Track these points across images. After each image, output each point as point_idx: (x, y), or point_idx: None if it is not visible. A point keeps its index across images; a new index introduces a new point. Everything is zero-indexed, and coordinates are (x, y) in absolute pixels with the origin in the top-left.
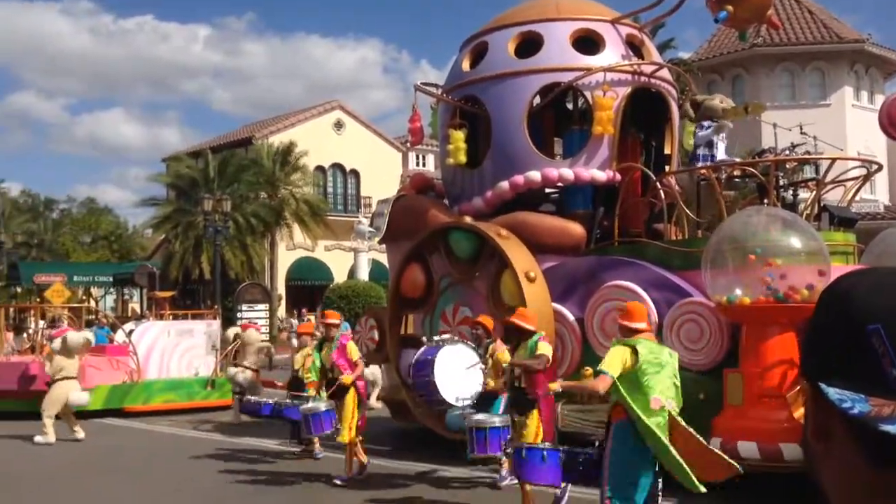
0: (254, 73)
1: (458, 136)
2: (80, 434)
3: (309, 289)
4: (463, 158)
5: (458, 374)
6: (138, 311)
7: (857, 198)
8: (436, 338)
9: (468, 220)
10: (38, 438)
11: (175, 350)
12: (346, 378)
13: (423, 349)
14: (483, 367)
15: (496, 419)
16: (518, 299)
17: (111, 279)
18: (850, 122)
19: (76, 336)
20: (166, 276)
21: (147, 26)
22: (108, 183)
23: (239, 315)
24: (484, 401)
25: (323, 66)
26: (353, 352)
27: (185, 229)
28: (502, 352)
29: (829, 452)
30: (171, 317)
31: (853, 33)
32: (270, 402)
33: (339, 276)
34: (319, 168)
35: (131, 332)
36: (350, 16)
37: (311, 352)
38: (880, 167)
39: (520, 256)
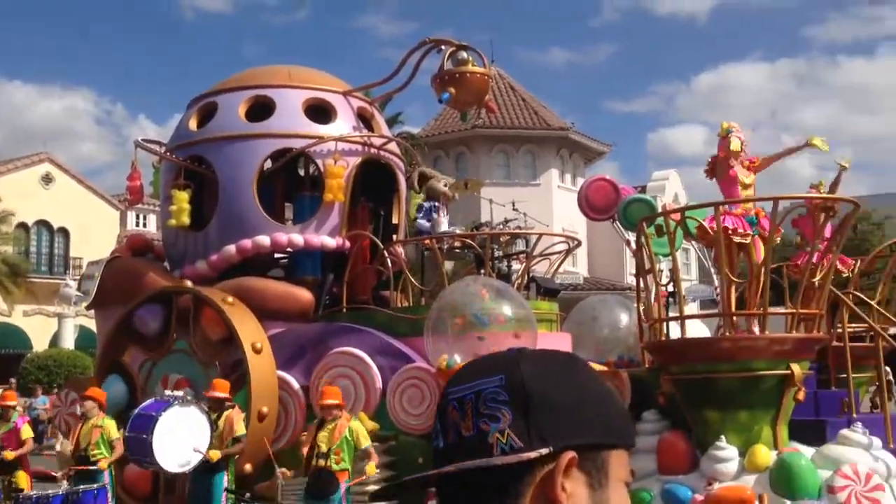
0: None
1: (182, 197)
2: None
3: (1, 358)
4: (186, 220)
5: (181, 440)
6: None
7: (561, 270)
8: (167, 392)
9: (189, 284)
10: None
11: None
12: (8, 454)
13: (148, 402)
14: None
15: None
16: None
17: None
18: (556, 201)
19: None
20: None
21: None
22: None
23: None
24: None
25: (25, 113)
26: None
27: None
28: (238, 420)
29: None
30: None
31: (559, 121)
32: (59, 491)
33: (40, 345)
34: (22, 225)
35: None
36: (56, 64)
37: (101, 423)
38: (580, 243)
39: (247, 326)
